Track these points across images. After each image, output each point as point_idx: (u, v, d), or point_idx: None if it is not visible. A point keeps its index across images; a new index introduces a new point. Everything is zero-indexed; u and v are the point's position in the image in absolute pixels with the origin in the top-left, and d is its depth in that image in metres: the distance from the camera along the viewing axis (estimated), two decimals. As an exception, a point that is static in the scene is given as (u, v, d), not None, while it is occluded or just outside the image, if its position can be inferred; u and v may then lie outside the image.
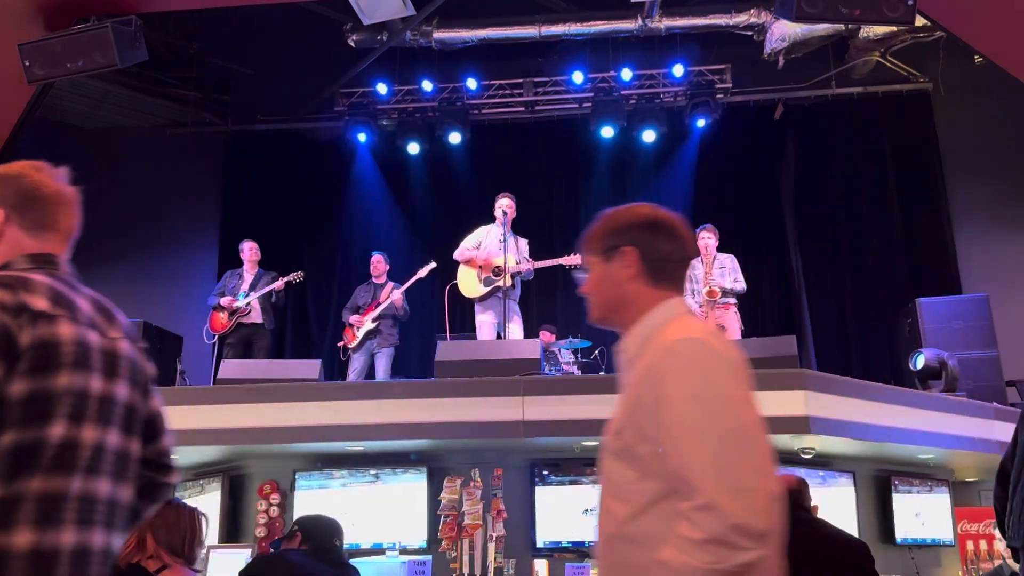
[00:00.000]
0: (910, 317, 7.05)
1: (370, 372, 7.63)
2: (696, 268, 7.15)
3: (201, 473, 5.83)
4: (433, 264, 7.62)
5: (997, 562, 5.06)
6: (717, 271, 7.00)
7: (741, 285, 7.03)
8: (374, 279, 7.88)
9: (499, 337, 6.62)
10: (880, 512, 5.66)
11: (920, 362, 6.16)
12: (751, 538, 1.42)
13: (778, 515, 1.50)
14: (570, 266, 6.75)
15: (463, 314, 8.11)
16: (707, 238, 7.15)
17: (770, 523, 1.46)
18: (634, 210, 1.85)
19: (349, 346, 7.60)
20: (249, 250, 7.86)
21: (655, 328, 1.70)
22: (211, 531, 5.41)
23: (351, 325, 7.64)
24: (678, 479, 1.50)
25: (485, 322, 6.83)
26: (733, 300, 7.04)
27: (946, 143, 9.83)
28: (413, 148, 10.48)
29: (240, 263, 7.91)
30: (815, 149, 10.21)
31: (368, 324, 7.56)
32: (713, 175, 10.28)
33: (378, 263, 7.91)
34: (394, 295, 7.57)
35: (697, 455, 1.48)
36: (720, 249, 7.21)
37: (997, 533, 4.71)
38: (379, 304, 7.62)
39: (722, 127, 10.04)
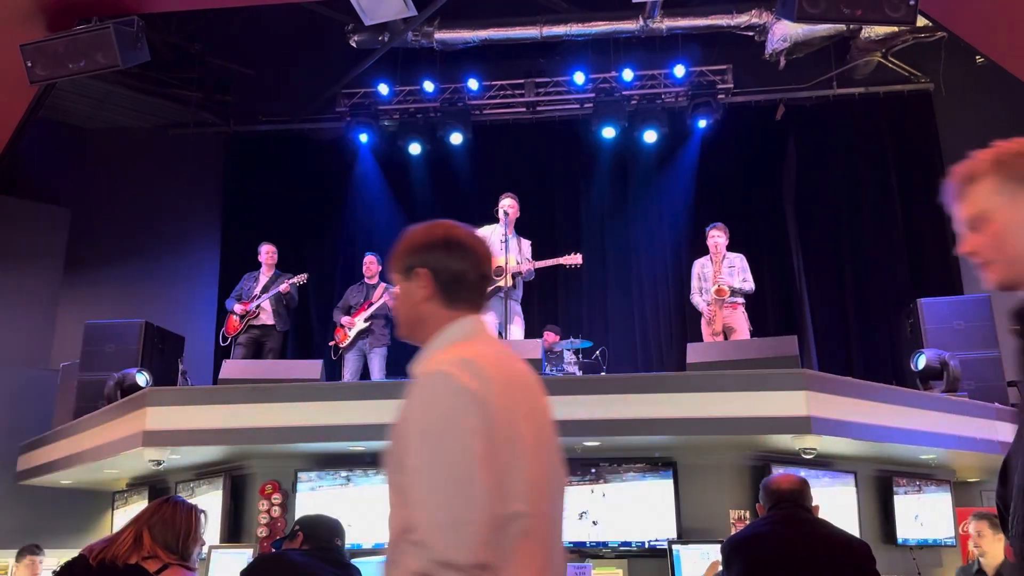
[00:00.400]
0: (911, 317, 7.04)
1: (364, 372, 7.66)
2: (705, 267, 7.13)
3: (203, 473, 5.84)
4: None
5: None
6: (726, 270, 6.98)
7: (750, 284, 7.00)
8: (367, 279, 7.92)
9: (501, 337, 6.63)
10: (881, 512, 5.66)
11: (921, 362, 6.16)
12: (459, 571, 1.46)
13: (507, 543, 1.54)
14: (570, 266, 6.75)
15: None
16: (717, 236, 7.12)
17: (485, 555, 1.49)
18: (430, 229, 1.87)
19: (341, 346, 7.65)
20: (266, 253, 7.93)
21: (434, 351, 1.75)
22: (213, 531, 5.43)
23: (342, 326, 7.69)
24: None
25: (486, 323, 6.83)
26: (741, 300, 7.02)
27: (948, 143, 9.82)
28: (415, 148, 10.49)
29: (255, 265, 7.97)
30: (816, 149, 10.21)
31: (360, 324, 7.61)
32: (714, 175, 10.28)
33: (371, 263, 7.95)
34: (387, 296, 7.61)
35: (417, 489, 1.55)
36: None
37: (972, 528, 4.70)
38: (371, 304, 7.67)
39: (723, 127, 10.05)
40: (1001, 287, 1.70)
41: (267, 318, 7.68)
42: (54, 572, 2.91)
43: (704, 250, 7.34)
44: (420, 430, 1.58)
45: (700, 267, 7.24)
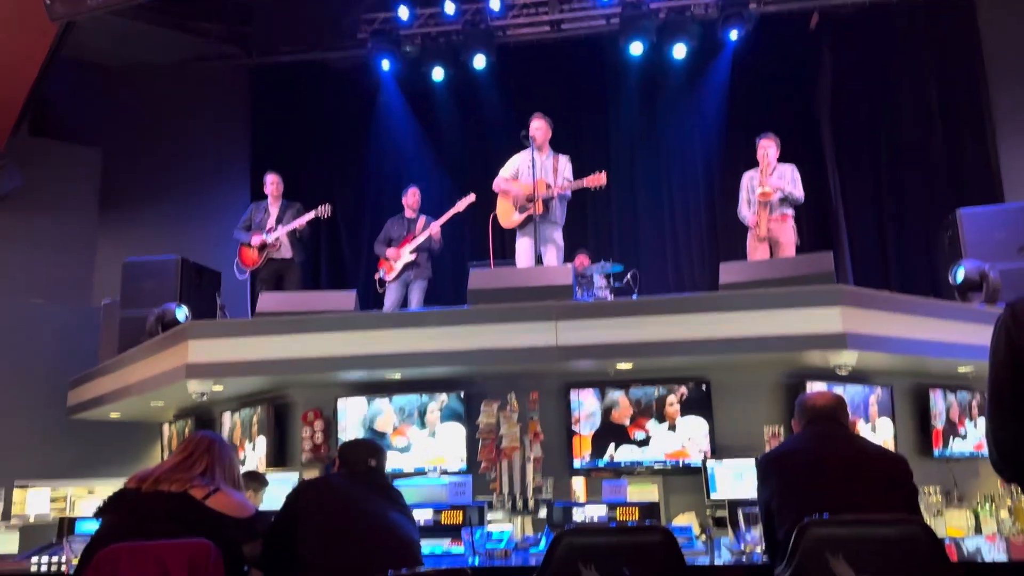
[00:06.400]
0: (950, 229, 6.88)
1: (404, 303, 7.72)
2: (754, 179, 6.92)
3: (246, 402, 6.00)
4: (472, 197, 7.60)
5: None
6: (776, 181, 6.78)
7: (800, 193, 6.80)
8: (408, 211, 7.89)
9: (539, 263, 6.62)
10: (918, 426, 5.66)
11: (960, 275, 6.05)
12: None
13: None
14: (595, 187, 6.66)
15: (507, 241, 8.09)
16: (767, 146, 6.87)
17: None
18: None
19: (387, 278, 7.67)
20: (271, 183, 7.88)
21: None
22: (260, 456, 5.61)
23: (387, 258, 7.70)
24: None
25: (523, 249, 6.83)
26: (791, 211, 6.82)
27: (990, 48, 9.42)
28: (438, 74, 10.33)
29: (294, 197, 7.97)
30: (852, 60, 9.85)
31: (406, 256, 7.62)
32: (747, 90, 10.01)
33: (415, 195, 7.92)
34: (432, 228, 7.59)
35: None
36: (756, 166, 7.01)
37: None
38: (415, 237, 7.66)
39: (756, 39, 9.73)
40: None
41: (286, 251, 7.71)
42: (104, 500, 3.04)
43: (739, 165, 7.13)
44: None
45: (749, 179, 6.99)
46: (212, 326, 5.44)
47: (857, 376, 5.21)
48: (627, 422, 5.07)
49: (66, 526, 4.52)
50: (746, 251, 6.99)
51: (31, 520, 6.63)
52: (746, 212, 6.96)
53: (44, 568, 3.61)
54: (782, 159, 7.02)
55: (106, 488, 6.27)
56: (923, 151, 9.48)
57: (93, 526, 3.37)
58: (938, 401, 5.68)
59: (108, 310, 7.63)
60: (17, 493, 6.81)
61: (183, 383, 5.19)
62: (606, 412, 5.09)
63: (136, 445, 7.92)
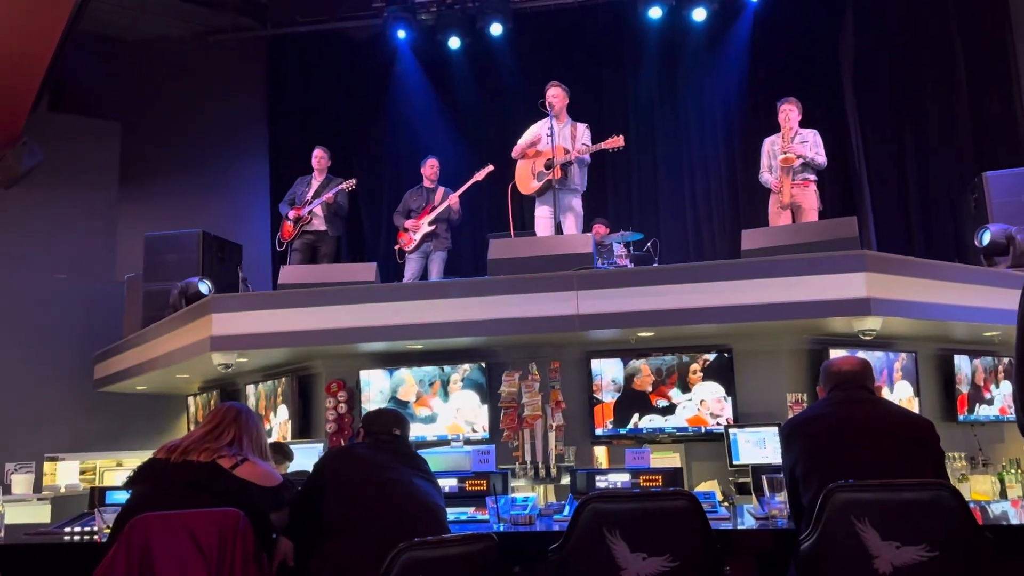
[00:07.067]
0: (976, 192, 6.78)
1: (424, 275, 7.72)
2: (775, 143, 6.85)
3: (270, 374, 6.06)
4: (490, 167, 7.56)
5: None
6: (798, 146, 6.71)
7: (822, 158, 6.73)
8: (426, 182, 7.87)
9: (558, 231, 6.59)
10: (943, 391, 5.63)
11: (986, 238, 5.97)
12: None
13: None
14: (613, 149, 6.59)
15: (526, 211, 8.07)
16: (789, 110, 6.81)
17: None
18: None
19: (406, 249, 7.68)
20: (316, 158, 7.93)
21: None
22: (282, 420, 5.67)
23: (406, 229, 7.70)
24: None
25: (542, 217, 6.80)
26: (813, 177, 6.74)
27: (1017, 8, 9.17)
28: (454, 43, 10.23)
29: (303, 170, 8.00)
30: (876, 21, 9.64)
31: (425, 227, 7.61)
32: (768, 53, 9.84)
33: (433, 166, 7.89)
34: (451, 199, 7.57)
35: None
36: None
37: None
38: (434, 208, 7.64)
39: (777, 1, 9.54)
40: None
41: (319, 224, 7.75)
42: (133, 471, 3.10)
43: (760, 129, 7.03)
44: None
45: (770, 144, 6.92)
46: (235, 299, 5.48)
47: (881, 342, 5.18)
48: (649, 389, 5.08)
49: (97, 496, 4.61)
50: (768, 217, 6.92)
51: (62, 491, 6.77)
52: (768, 176, 6.89)
53: (77, 538, 3.68)
54: (804, 123, 6.92)
55: (134, 460, 6.38)
56: (948, 113, 9.29)
57: (123, 496, 3.43)
58: (963, 366, 5.65)
59: (131, 284, 7.70)
60: (47, 465, 6.95)
61: (207, 355, 5.25)
62: (628, 380, 5.10)
63: (162, 417, 8.04)
